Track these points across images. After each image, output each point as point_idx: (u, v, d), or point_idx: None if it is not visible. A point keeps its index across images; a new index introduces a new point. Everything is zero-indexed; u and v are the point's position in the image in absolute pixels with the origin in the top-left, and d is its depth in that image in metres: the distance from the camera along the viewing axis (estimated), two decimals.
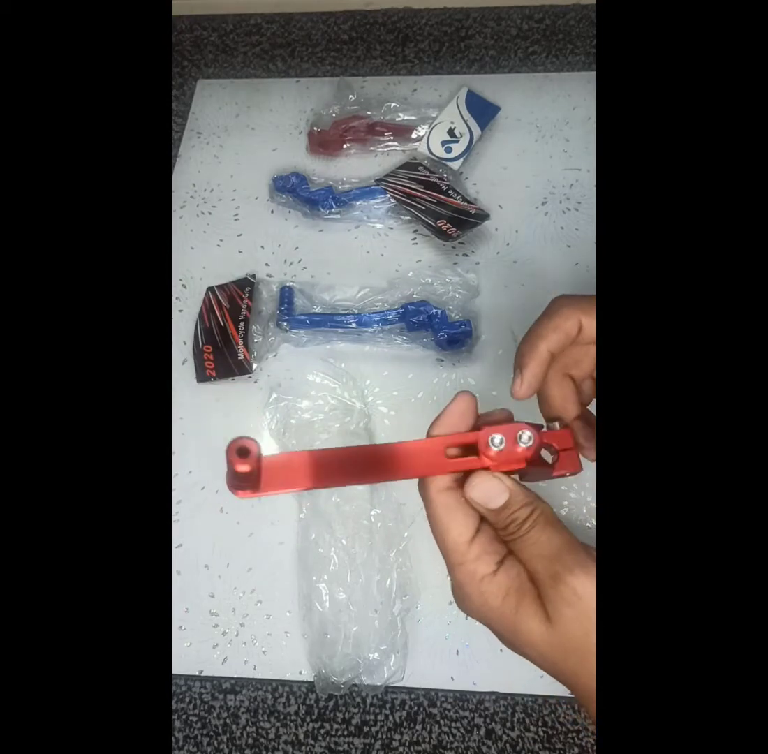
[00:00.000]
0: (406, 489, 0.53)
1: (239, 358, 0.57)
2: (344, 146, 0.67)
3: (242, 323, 0.58)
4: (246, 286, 0.60)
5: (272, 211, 0.66)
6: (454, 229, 0.60)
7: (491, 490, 0.30)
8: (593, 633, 0.26)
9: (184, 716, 0.48)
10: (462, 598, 0.30)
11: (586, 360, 0.36)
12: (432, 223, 0.60)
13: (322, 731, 0.47)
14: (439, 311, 0.56)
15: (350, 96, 0.69)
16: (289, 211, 0.65)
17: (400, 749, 0.46)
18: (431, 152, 0.65)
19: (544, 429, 0.33)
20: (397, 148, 0.68)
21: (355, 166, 0.67)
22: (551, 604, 0.28)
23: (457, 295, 0.58)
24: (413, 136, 0.67)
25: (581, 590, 0.27)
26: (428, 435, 0.31)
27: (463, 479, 0.31)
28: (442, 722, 0.46)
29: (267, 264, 0.63)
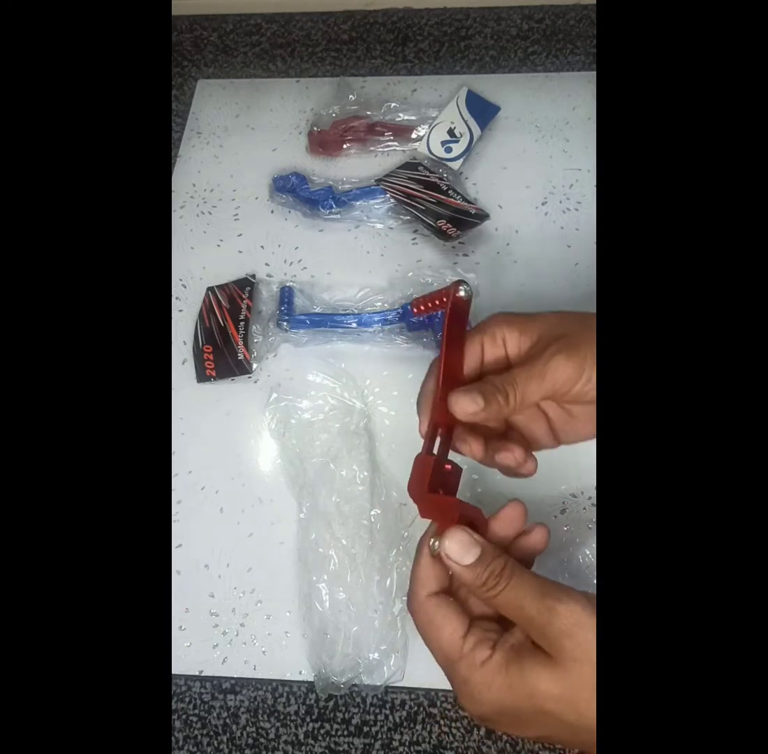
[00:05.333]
0: (406, 489, 0.53)
1: (239, 358, 0.57)
2: (344, 146, 0.67)
3: (242, 323, 0.58)
4: (246, 286, 0.60)
5: (272, 211, 0.66)
6: (454, 229, 0.59)
7: (465, 543, 0.30)
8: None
9: (184, 716, 0.48)
10: (469, 694, 0.30)
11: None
12: (432, 223, 0.60)
13: (322, 731, 0.47)
14: (440, 311, 0.56)
15: (350, 96, 0.69)
16: (289, 211, 0.65)
17: (400, 749, 0.46)
18: (431, 152, 0.65)
19: None
20: (397, 148, 0.68)
21: (355, 166, 0.67)
22: (550, 643, 0.27)
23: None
24: (413, 136, 0.67)
25: (575, 617, 0.27)
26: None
27: (449, 586, 0.32)
28: (442, 722, 0.46)
29: (267, 264, 0.63)
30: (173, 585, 0.50)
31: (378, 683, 0.46)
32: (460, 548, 0.30)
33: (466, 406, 0.32)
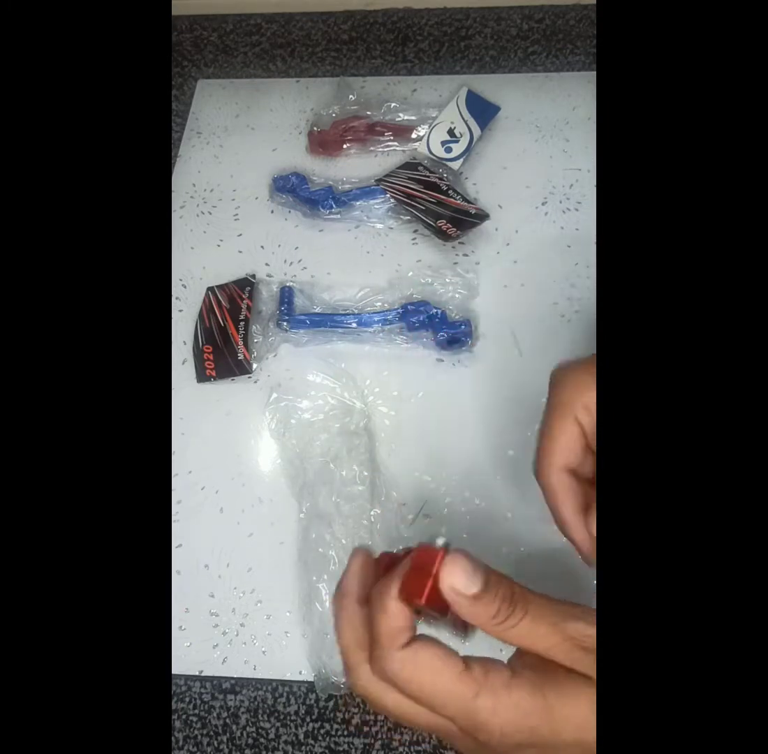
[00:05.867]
0: (406, 489, 0.53)
1: (239, 358, 0.57)
2: (344, 146, 0.67)
3: (242, 323, 0.58)
4: (246, 286, 0.60)
5: (272, 211, 0.66)
6: (454, 229, 0.59)
7: (468, 570, 0.25)
8: None
9: (184, 716, 0.48)
10: (500, 726, 0.24)
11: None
12: (432, 223, 0.60)
13: (322, 731, 0.47)
14: (439, 311, 0.56)
15: (350, 96, 0.69)
16: (289, 211, 0.65)
17: (400, 749, 0.46)
18: (431, 152, 0.65)
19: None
20: (397, 148, 0.68)
21: (355, 166, 0.67)
22: (587, 662, 0.24)
23: (457, 295, 0.58)
24: (413, 136, 0.67)
25: None
26: None
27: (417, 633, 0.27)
28: None
29: (267, 264, 0.63)
30: (173, 585, 0.50)
31: None
32: (465, 576, 0.25)
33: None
